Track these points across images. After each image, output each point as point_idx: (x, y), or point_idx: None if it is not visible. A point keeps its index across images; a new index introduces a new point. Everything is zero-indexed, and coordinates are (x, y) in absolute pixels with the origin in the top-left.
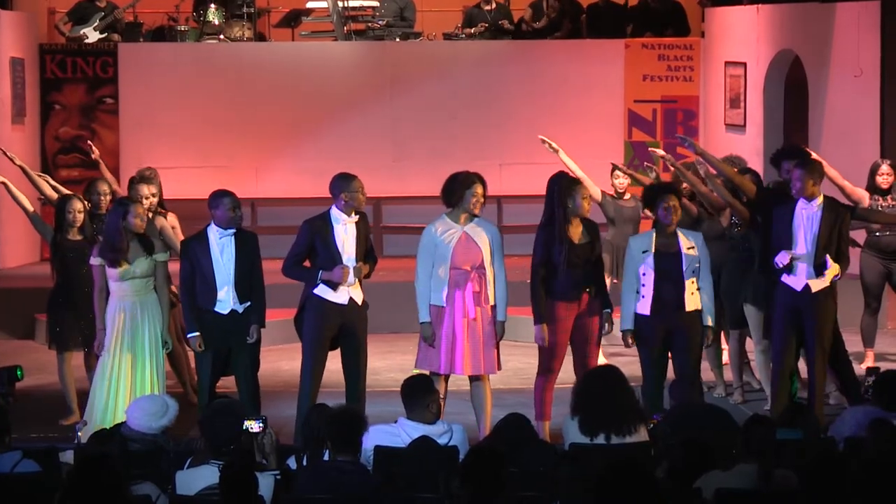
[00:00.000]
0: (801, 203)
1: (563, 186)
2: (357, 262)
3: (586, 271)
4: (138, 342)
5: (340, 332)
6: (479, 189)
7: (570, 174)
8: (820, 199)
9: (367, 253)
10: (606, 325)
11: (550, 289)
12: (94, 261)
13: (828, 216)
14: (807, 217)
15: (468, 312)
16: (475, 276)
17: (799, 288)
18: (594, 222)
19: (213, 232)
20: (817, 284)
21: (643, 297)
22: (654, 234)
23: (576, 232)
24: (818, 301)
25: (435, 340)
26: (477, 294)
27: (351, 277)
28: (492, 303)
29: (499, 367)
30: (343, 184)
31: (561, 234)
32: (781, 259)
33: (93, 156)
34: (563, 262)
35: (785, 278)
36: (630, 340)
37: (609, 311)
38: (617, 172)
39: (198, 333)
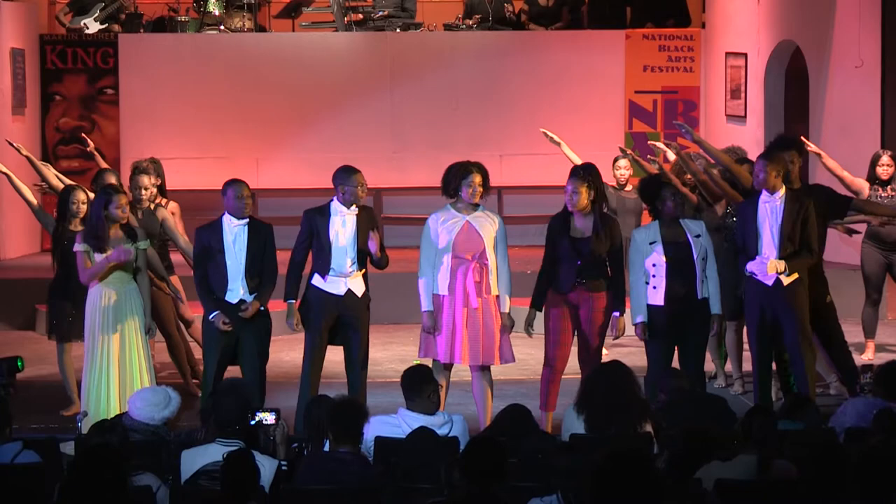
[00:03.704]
0: (763, 196)
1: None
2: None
3: (590, 265)
4: (123, 330)
5: (339, 322)
6: (476, 178)
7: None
8: (782, 192)
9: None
10: (613, 329)
11: (553, 279)
12: (78, 247)
13: (790, 207)
14: (770, 210)
15: (470, 302)
16: (476, 266)
17: (770, 283)
18: (609, 216)
19: (227, 221)
20: (787, 278)
21: (655, 288)
22: (659, 225)
23: (581, 225)
24: (790, 292)
25: (436, 329)
26: (478, 284)
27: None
28: (495, 293)
29: (503, 360)
30: (343, 176)
31: (564, 226)
32: (758, 270)
33: (87, 148)
34: (563, 255)
35: (754, 273)
36: (645, 333)
37: (619, 314)
38: (619, 164)
39: (218, 312)
